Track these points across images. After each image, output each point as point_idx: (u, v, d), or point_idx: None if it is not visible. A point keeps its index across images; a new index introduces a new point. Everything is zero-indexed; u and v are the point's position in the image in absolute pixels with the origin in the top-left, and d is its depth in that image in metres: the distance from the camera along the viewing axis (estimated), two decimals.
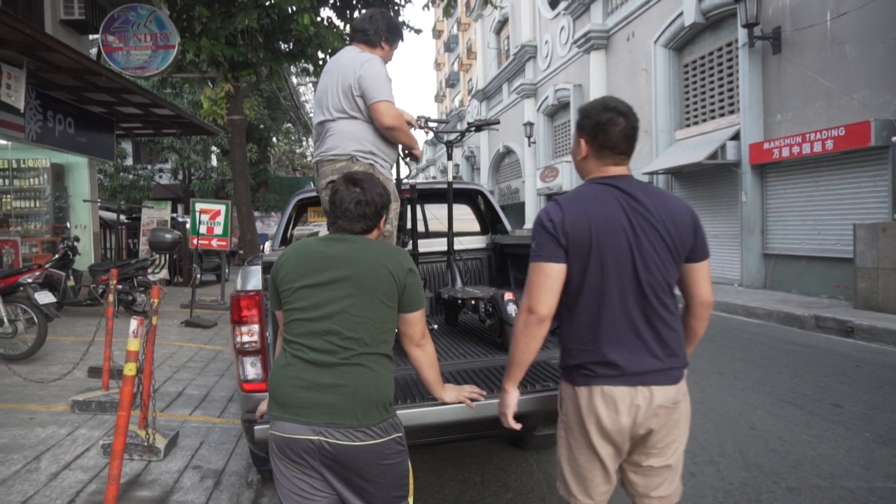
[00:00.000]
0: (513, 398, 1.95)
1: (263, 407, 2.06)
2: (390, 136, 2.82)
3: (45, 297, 5.57)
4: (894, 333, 6.62)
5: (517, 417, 1.99)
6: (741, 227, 11.42)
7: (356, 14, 9.94)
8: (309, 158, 31.08)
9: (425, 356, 1.99)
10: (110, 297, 4.38)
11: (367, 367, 1.76)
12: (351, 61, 2.82)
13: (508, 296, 3.03)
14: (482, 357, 3.00)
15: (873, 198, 8.97)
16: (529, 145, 22.62)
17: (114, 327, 4.45)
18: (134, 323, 2.40)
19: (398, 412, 1.90)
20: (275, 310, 1.94)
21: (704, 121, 13.06)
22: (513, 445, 3.82)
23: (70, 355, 5.76)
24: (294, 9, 8.64)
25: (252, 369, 2.44)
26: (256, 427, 2.23)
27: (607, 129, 1.76)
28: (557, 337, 1.93)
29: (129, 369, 2.39)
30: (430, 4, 11.67)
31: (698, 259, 1.83)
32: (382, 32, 2.93)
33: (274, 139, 26.11)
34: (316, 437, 1.68)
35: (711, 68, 12.79)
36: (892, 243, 7.75)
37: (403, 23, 10.00)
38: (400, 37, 3.05)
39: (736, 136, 11.48)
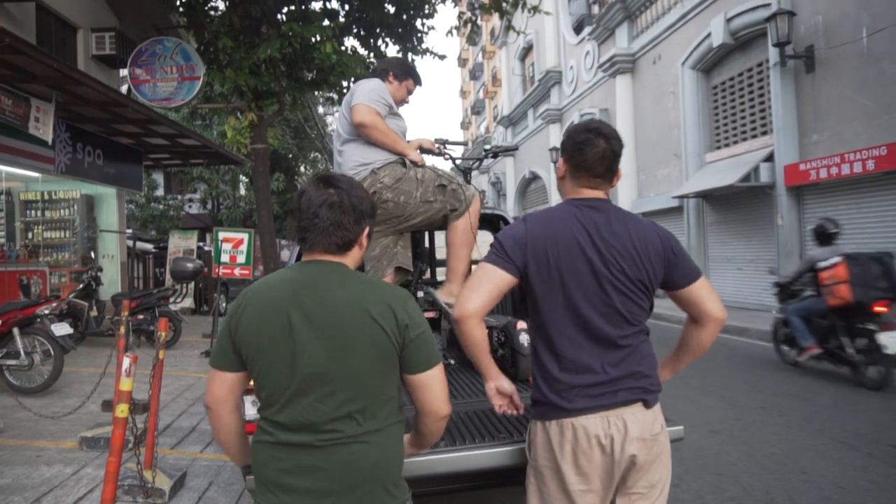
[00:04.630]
0: (504, 382, 1.80)
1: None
2: (363, 134, 2.70)
3: (61, 329, 5.50)
4: None
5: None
6: (777, 252, 10.95)
7: (380, 42, 9.97)
8: None
9: (439, 433, 1.56)
10: (121, 329, 4.25)
11: (363, 444, 1.38)
12: (354, 86, 2.85)
13: (521, 325, 2.91)
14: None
15: None
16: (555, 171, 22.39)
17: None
18: (127, 361, 2.23)
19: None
20: (225, 370, 1.46)
21: (735, 143, 12.71)
22: None
23: (87, 387, 5.64)
24: (317, 38, 8.67)
25: (253, 408, 2.27)
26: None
27: (583, 149, 1.72)
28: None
29: (121, 411, 2.22)
30: (455, 31, 11.66)
31: (684, 284, 1.73)
32: (391, 68, 2.98)
33: (301, 168, 26.40)
34: None
35: (742, 89, 12.48)
36: None
37: (427, 49, 10.00)
38: (412, 77, 3.05)
39: (769, 158, 11.10)
